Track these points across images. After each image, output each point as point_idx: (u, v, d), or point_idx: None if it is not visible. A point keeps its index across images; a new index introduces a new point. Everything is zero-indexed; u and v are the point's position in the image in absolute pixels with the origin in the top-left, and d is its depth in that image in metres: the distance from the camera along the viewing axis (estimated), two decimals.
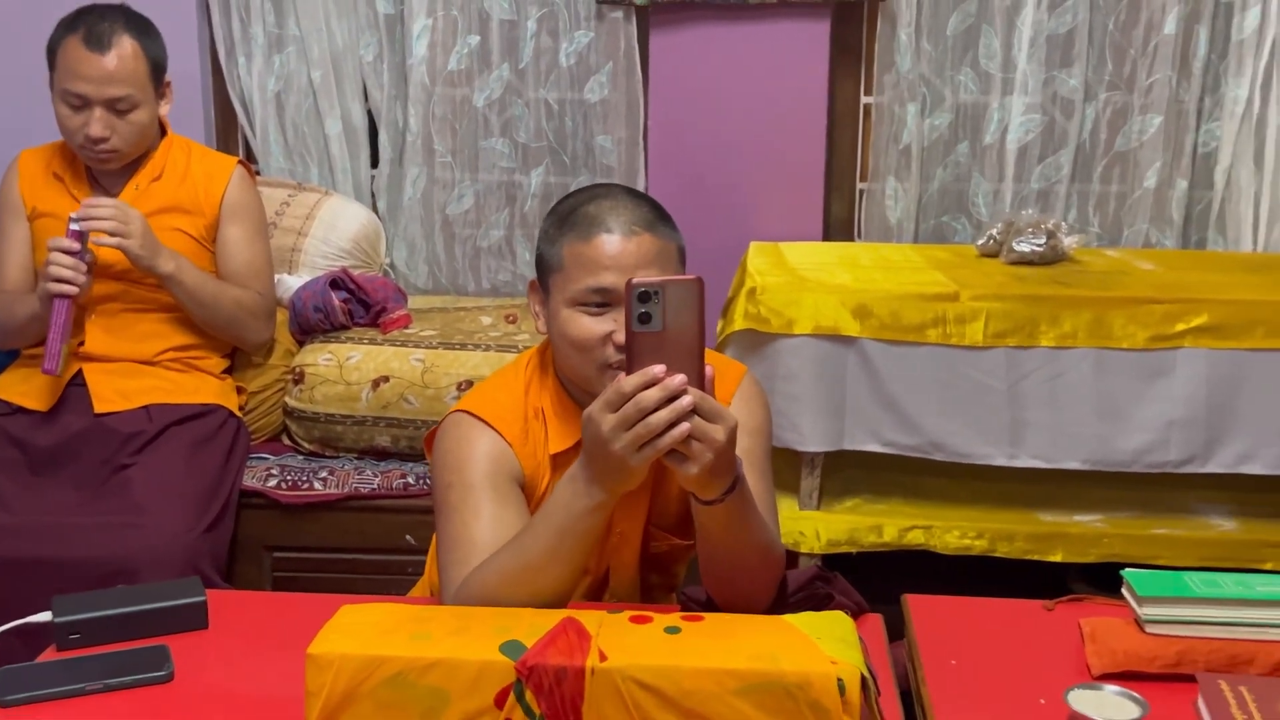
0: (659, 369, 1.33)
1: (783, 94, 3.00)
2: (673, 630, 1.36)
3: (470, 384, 2.61)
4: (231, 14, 3.09)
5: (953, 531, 2.58)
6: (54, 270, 2.30)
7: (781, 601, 1.63)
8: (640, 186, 3.04)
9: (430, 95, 3.06)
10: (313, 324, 2.76)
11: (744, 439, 1.67)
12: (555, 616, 1.39)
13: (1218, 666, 1.50)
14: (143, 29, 2.49)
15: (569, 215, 1.57)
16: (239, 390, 2.67)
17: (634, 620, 1.39)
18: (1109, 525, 2.61)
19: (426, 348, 2.69)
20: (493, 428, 1.60)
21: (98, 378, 2.49)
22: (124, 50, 2.43)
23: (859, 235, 3.13)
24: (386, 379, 2.65)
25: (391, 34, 3.05)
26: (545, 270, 1.59)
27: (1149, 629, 1.53)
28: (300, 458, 2.70)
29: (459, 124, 3.10)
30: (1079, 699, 1.39)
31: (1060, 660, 1.56)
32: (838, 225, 3.12)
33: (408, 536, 2.59)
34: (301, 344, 2.83)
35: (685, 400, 1.33)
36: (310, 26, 3.06)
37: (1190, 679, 1.48)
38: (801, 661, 1.30)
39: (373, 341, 2.73)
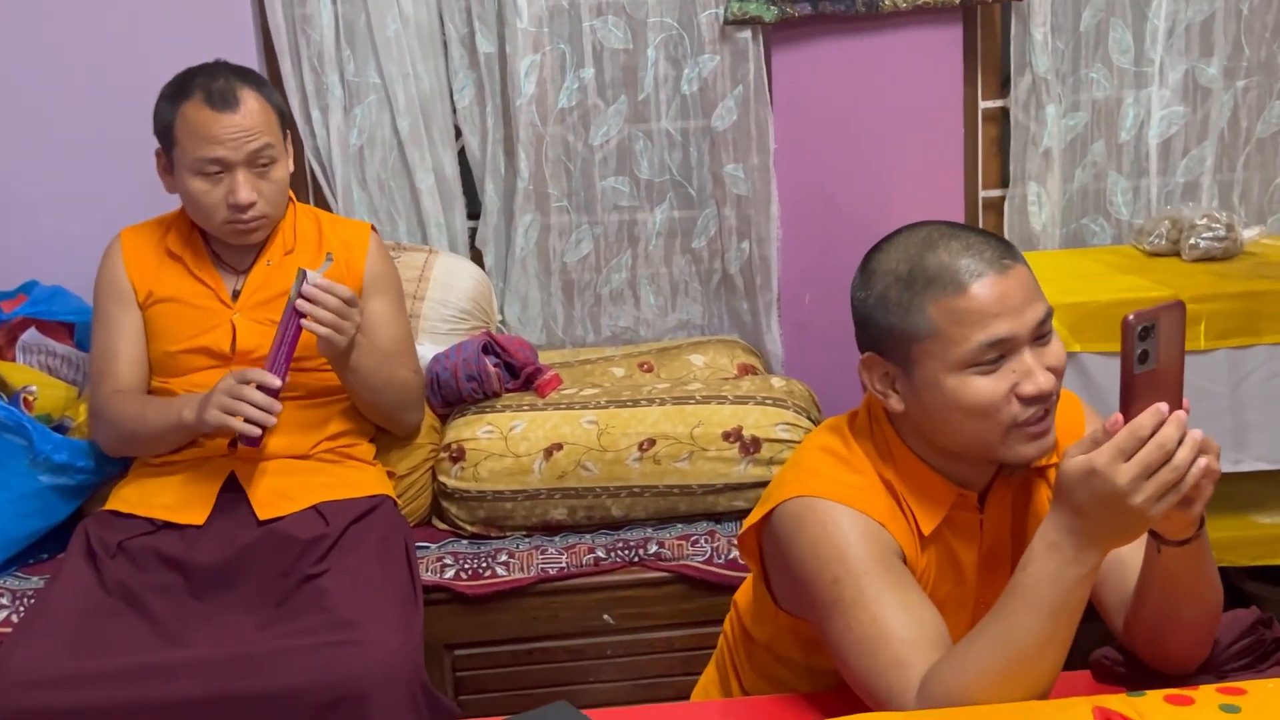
0: (1164, 406, 1.18)
1: (916, 105, 2.85)
2: (1231, 709, 1.19)
3: (652, 442, 2.40)
4: (303, 64, 2.83)
5: None
6: (244, 409, 2.06)
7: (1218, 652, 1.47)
8: (772, 214, 2.87)
9: (541, 136, 2.83)
10: (465, 395, 2.51)
11: None
12: (1082, 707, 1.21)
13: None
14: (257, 79, 2.26)
15: (911, 273, 1.37)
16: (389, 475, 2.42)
17: (1172, 701, 1.21)
18: None
19: (597, 408, 2.47)
20: (855, 509, 1.39)
21: (253, 479, 2.21)
22: (250, 103, 2.19)
23: None
24: (560, 446, 2.42)
25: (491, 73, 2.82)
26: (900, 342, 1.38)
27: None
28: (465, 543, 2.45)
29: (573, 164, 2.88)
30: None
31: None
32: None
33: (606, 616, 2.36)
34: (444, 417, 2.58)
35: (1197, 432, 1.19)
36: (394, 72, 2.82)
37: None
38: None
39: (533, 407, 2.50)
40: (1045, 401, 1.35)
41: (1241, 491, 2.54)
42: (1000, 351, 1.34)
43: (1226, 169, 2.94)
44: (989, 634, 1.28)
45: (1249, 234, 2.65)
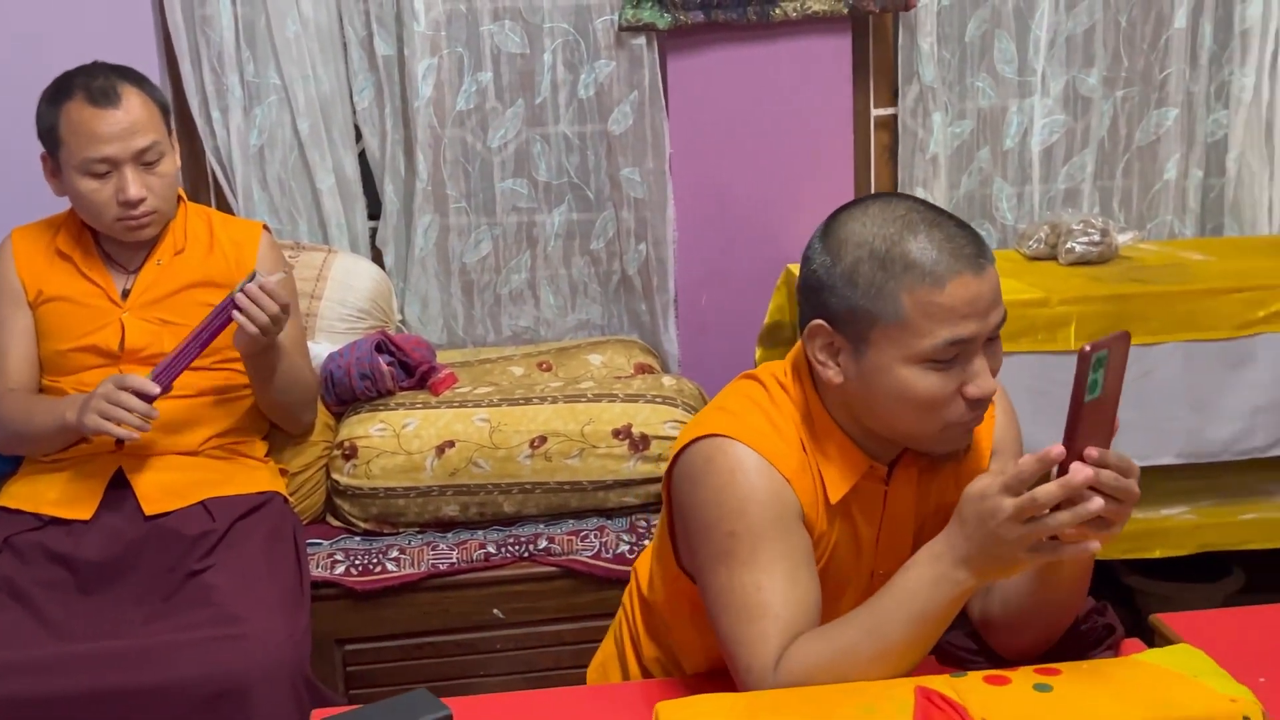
0: (1058, 450, 1.21)
1: (807, 112, 2.92)
2: (1043, 688, 1.26)
3: (544, 439, 2.44)
4: (203, 65, 2.84)
5: None
6: (119, 414, 2.08)
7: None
8: (669, 216, 2.93)
9: (440, 138, 2.87)
10: (358, 393, 2.54)
11: (1011, 461, 1.56)
12: (905, 687, 1.27)
13: None
14: (136, 76, 2.26)
15: (889, 254, 1.32)
16: (282, 473, 2.44)
17: (990, 681, 1.28)
18: (1199, 516, 2.60)
19: (489, 406, 2.51)
20: (766, 459, 1.38)
21: (140, 475, 2.23)
22: (131, 99, 2.19)
23: None
24: (452, 444, 2.45)
25: (390, 75, 2.85)
26: (860, 320, 1.34)
27: None
28: (358, 539, 2.48)
29: (472, 166, 2.92)
30: None
31: None
32: None
33: (496, 611, 2.40)
34: (337, 415, 2.60)
35: (1079, 478, 1.20)
36: (294, 74, 2.83)
37: None
38: (1201, 704, 1.22)
39: (427, 405, 2.53)
40: (986, 404, 1.38)
41: None
42: (958, 351, 1.33)
43: (1106, 176, 3.05)
44: (858, 625, 1.31)
45: (1123, 239, 2.75)
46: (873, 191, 3.06)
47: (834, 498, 1.43)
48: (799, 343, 1.45)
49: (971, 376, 1.33)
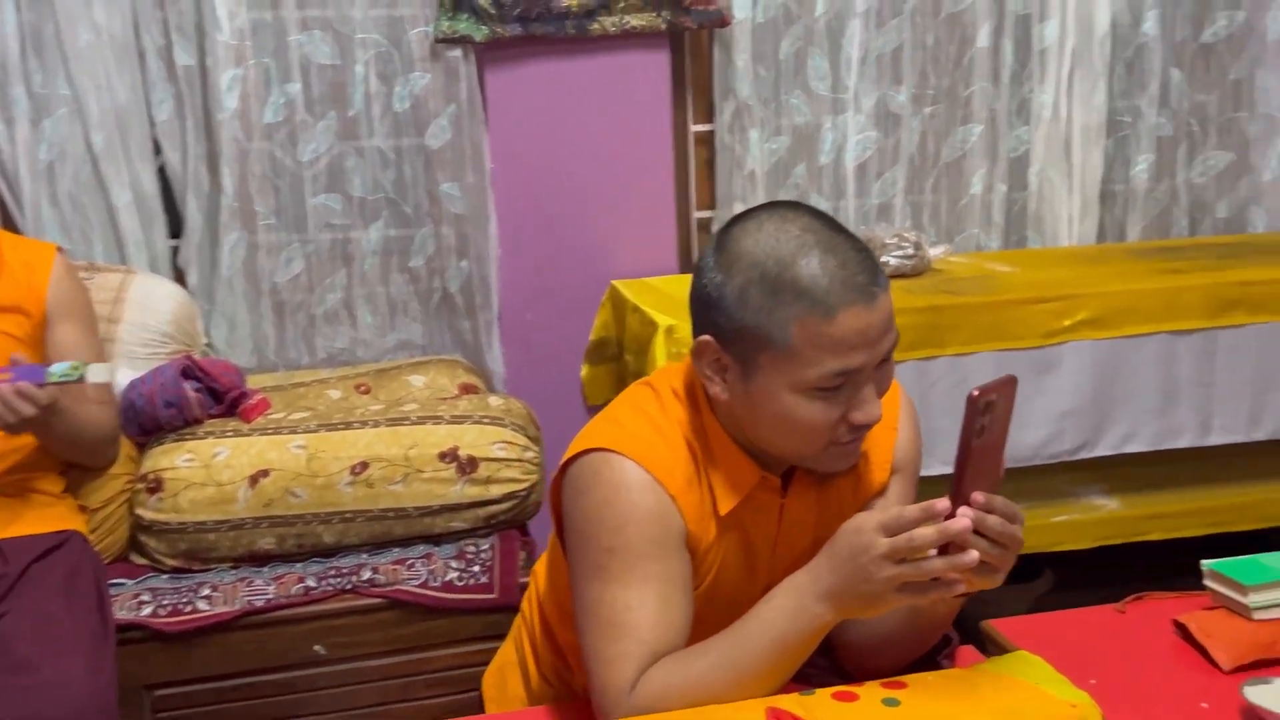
0: (943, 504, 1.21)
1: (627, 127, 2.90)
2: (891, 703, 1.25)
3: (366, 465, 2.35)
4: None
5: None
6: None
7: None
8: (491, 232, 2.87)
9: (247, 152, 2.74)
10: (163, 422, 2.40)
11: (909, 482, 1.56)
12: (755, 708, 1.24)
13: None
14: None
15: (780, 278, 1.28)
16: (81, 509, 2.28)
17: (839, 698, 1.27)
18: None
19: (306, 432, 2.40)
20: (653, 476, 1.35)
21: None
22: None
23: None
24: (266, 473, 2.34)
25: (192, 87, 2.71)
26: (748, 343, 1.31)
27: (1256, 615, 1.56)
28: (165, 577, 2.34)
29: (281, 181, 2.80)
30: (1257, 695, 1.39)
31: (1181, 661, 1.56)
32: (690, 258, 3.06)
33: (317, 647, 2.29)
34: (141, 446, 2.45)
35: (957, 526, 1.20)
36: (87, 84, 2.67)
37: None
38: (1044, 712, 1.24)
39: (238, 433, 2.40)
40: (870, 427, 1.36)
41: (927, 494, 2.68)
42: (846, 379, 1.30)
43: (917, 190, 3.13)
44: (716, 652, 1.29)
45: (935, 252, 2.82)
46: (693, 206, 3.06)
47: (724, 509, 1.40)
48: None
49: (858, 404, 1.31)
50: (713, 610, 1.42)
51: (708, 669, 1.27)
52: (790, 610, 1.26)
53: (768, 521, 1.45)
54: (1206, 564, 1.64)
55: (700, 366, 1.37)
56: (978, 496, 1.21)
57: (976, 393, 1.18)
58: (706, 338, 1.35)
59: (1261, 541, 3.00)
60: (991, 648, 1.66)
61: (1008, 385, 1.23)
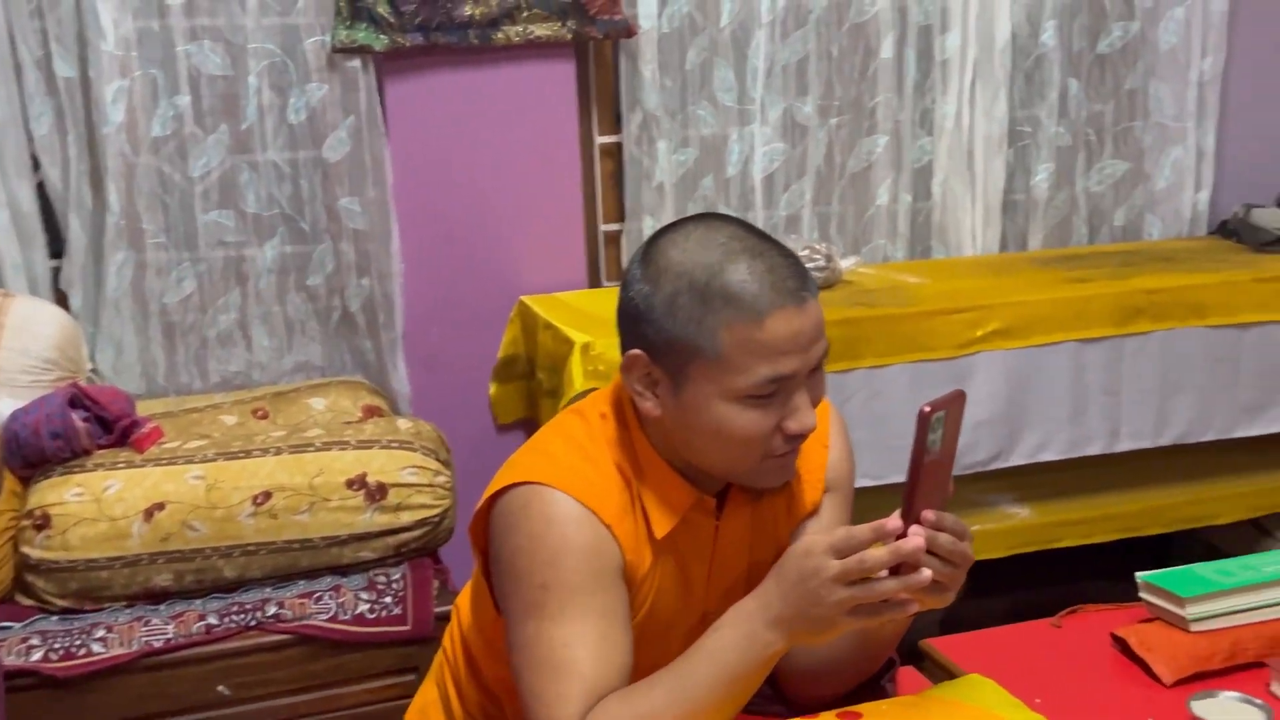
0: (895, 524, 1.19)
1: (532, 139, 2.84)
2: None
3: (268, 495, 2.24)
4: None
5: None
6: None
7: None
8: (393, 248, 2.77)
9: (133, 167, 2.60)
10: (49, 454, 2.25)
11: (843, 502, 1.53)
12: None
13: (1265, 649, 1.54)
14: None
15: (709, 286, 1.26)
16: None
17: None
18: None
19: (204, 461, 2.28)
20: (587, 508, 1.30)
21: None
22: None
23: (606, 279, 3.02)
24: (162, 506, 2.21)
25: (73, 99, 2.57)
26: (678, 354, 1.28)
27: (1194, 627, 1.55)
28: (55, 619, 2.19)
29: (171, 198, 2.67)
30: (1204, 709, 1.38)
31: (1122, 675, 1.55)
32: (598, 271, 3.00)
33: (221, 688, 2.17)
34: (25, 480, 2.31)
35: (910, 545, 1.17)
36: None
37: (1241, 669, 1.52)
38: None
39: (130, 464, 2.27)
40: (805, 438, 1.33)
41: (862, 508, 2.66)
42: (778, 386, 1.28)
43: (824, 202, 3.12)
44: (663, 687, 1.24)
45: (846, 264, 2.81)
46: (600, 219, 3.01)
47: (659, 533, 1.35)
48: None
49: (791, 412, 1.29)
50: (647, 640, 1.37)
51: (657, 705, 1.22)
52: (740, 640, 1.22)
53: (702, 545, 1.41)
54: (1142, 576, 1.63)
55: (630, 382, 1.33)
56: (929, 514, 1.19)
57: (928, 408, 1.17)
58: (636, 352, 1.32)
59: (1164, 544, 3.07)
60: (931, 667, 1.64)
61: (957, 400, 1.22)
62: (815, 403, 1.32)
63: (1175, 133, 3.23)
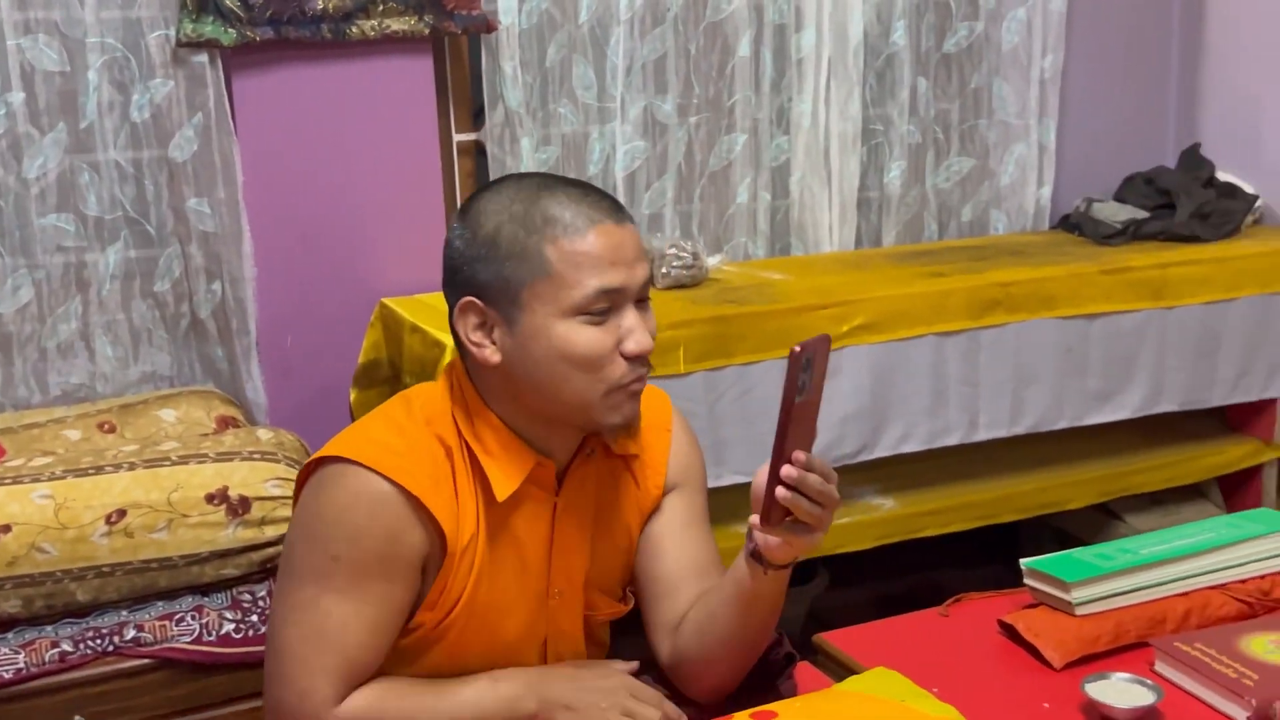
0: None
1: (390, 136, 2.76)
2: None
3: (122, 513, 2.13)
4: None
5: None
6: None
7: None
8: (245, 251, 2.66)
9: None
10: None
11: (695, 495, 1.56)
12: None
13: (1146, 630, 1.59)
14: None
15: (529, 213, 1.33)
16: None
17: None
18: None
19: (51, 480, 2.15)
20: (395, 484, 1.34)
21: None
22: None
23: None
24: (7, 528, 2.08)
25: None
26: (508, 285, 1.34)
27: (1079, 611, 1.59)
28: None
29: (4, 201, 2.50)
30: (1098, 690, 1.42)
31: (1012, 661, 1.58)
32: None
33: (78, 718, 2.05)
34: None
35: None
36: None
37: (1125, 650, 1.57)
38: None
39: None
40: (645, 364, 1.36)
41: (720, 505, 2.67)
42: (610, 303, 1.33)
43: (685, 200, 3.11)
44: (414, 703, 1.37)
45: (712, 261, 2.82)
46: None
47: (501, 495, 1.38)
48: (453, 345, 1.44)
49: (627, 332, 1.34)
50: (476, 621, 1.41)
51: (408, 713, 1.34)
52: (507, 697, 1.35)
53: (541, 526, 1.44)
54: (1026, 562, 1.67)
55: (466, 332, 1.38)
56: (799, 455, 1.25)
57: (799, 348, 1.21)
58: (468, 298, 1.36)
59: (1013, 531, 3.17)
60: (827, 662, 1.65)
61: (824, 343, 1.27)
62: (649, 333, 1.38)
63: (1018, 130, 3.33)
